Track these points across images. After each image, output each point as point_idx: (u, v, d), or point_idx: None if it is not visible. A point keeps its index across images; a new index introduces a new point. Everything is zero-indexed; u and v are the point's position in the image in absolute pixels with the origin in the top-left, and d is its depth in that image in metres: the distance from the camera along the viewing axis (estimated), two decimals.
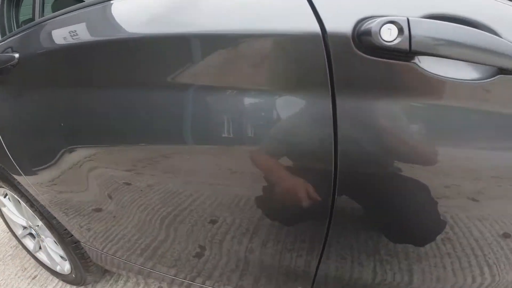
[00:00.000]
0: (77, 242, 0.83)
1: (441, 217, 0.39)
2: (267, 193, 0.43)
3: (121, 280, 1.05)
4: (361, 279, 0.46)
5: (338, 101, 0.35)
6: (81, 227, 0.75)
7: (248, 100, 0.40)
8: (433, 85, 0.33)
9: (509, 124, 0.35)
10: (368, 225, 0.42)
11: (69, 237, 0.82)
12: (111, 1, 0.48)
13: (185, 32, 0.40)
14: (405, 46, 0.30)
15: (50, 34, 0.54)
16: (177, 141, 0.46)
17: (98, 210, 0.67)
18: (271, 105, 0.39)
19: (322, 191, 0.40)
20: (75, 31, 0.51)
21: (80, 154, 0.57)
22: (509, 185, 0.40)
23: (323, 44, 0.34)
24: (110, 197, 0.61)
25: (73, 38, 0.50)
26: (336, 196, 0.39)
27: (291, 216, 0.45)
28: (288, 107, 0.38)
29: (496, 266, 0.47)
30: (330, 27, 0.34)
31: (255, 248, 0.47)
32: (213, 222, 0.48)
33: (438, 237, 0.41)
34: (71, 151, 0.57)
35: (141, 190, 0.54)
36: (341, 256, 0.44)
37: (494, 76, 0.33)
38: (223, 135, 0.41)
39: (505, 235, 0.43)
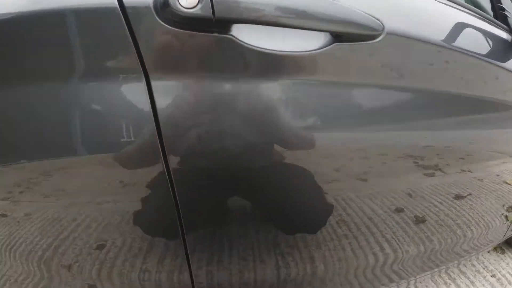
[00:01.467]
0: None
1: (333, 200, 0.40)
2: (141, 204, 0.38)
3: None
4: (265, 280, 0.45)
5: (153, 83, 0.31)
6: None
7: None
8: (255, 59, 0.31)
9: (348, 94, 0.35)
10: (261, 221, 0.41)
11: None
12: None
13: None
14: (208, 13, 0.27)
15: None
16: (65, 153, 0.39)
17: None
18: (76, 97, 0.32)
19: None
20: None
21: None
22: (393, 161, 0.42)
23: (123, 19, 0.29)
24: None
25: None
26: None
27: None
28: (101, 96, 0.32)
29: (396, 241, 0.49)
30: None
31: (151, 268, 0.42)
32: (100, 247, 0.42)
33: (333, 220, 0.42)
34: None
35: (18, 222, 0.46)
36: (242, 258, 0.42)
37: (328, 45, 0.31)
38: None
39: (398, 210, 0.45)
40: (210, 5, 0.27)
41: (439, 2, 0.50)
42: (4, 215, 0.48)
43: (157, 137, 0.32)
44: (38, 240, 0.45)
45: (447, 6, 0.50)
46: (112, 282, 0.43)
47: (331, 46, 0.31)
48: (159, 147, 0.32)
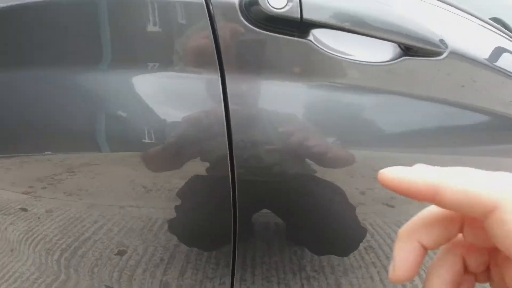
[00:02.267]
0: None
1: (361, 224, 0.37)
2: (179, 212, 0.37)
3: None
4: None
5: (228, 82, 0.30)
6: None
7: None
8: (331, 67, 0.31)
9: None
10: (286, 240, 0.38)
11: None
12: None
13: None
14: (296, 13, 0.27)
15: None
16: (88, 147, 0.38)
17: None
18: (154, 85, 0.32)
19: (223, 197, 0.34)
20: None
21: None
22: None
23: (207, 15, 0.29)
24: (5, 229, 0.50)
25: None
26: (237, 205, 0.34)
27: (203, 238, 0.39)
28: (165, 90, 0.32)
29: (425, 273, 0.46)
30: None
31: (171, 281, 0.41)
32: (121, 253, 0.40)
33: (361, 246, 0.40)
34: None
35: (38, 218, 0.45)
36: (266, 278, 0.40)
37: (398, 58, 0.31)
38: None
39: None
40: (299, 6, 0.26)
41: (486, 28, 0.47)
42: (24, 209, 0.47)
43: (227, 141, 0.30)
44: (58, 239, 0.44)
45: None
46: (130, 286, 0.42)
47: (401, 59, 0.30)
48: (227, 152, 0.31)
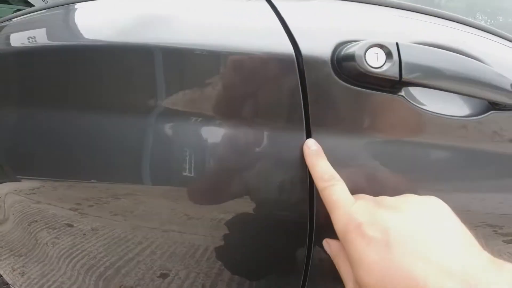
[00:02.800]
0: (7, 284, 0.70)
1: None
2: (228, 242, 0.38)
3: None
4: None
5: (313, 137, 0.30)
6: (14, 270, 0.64)
7: (211, 131, 0.34)
8: (422, 122, 0.30)
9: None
10: None
11: None
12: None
13: (152, 44, 0.34)
14: (395, 73, 0.26)
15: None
16: (131, 180, 0.40)
17: (34, 251, 0.57)
18: (235, 138, 0.33)
19: (297, 241, 0.35)
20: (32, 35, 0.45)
21: (23, 186, 0.49)
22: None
23: (297, 69, 0.29)
24: (46, 243, 0.52)
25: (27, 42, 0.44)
26: (312, 247, 0.34)
27: (257, 268, 0.39)
28: (255, 141, 0.33)
29: None
30: (305, 48, 0.29)
31: None
32: (163, 276, 0.41)
33: None
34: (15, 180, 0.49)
35: (84, 234, 0.47)
36: None
37: (486, 112, 0.30)
38: (184, 173, 0.36)
39: None
40: (398, 66, 0.26)
41: None
42: (70, 225, 0.49)
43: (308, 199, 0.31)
44: (102, 256, 0.46)
45: None
46: None
47: (488, 113, 0.30)
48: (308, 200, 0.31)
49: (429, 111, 0.30)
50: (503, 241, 0.41)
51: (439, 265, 0.18)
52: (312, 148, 0.28)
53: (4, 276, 0.69)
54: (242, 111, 0.32)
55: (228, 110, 0.32)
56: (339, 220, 0.24)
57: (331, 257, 0.28)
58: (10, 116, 0.46)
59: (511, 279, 0.18)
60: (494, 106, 0.30)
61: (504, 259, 0.19)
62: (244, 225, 0.34)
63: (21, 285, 0.65)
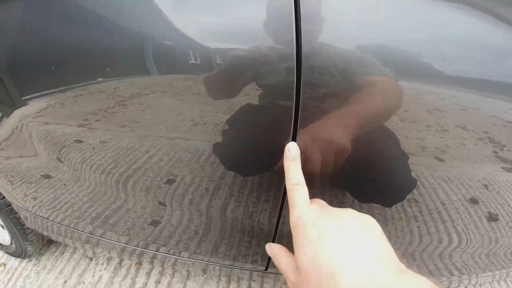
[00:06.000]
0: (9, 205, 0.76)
1: (411, 174, 0.36)
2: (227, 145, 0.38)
3: (67, 251, 1.00)
4: None
5: None
6: (26, 196, 0.67)
7: None
8: None
9: None
10: (332, 182, 0.38)
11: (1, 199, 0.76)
12: None
13: None
14: None
15: None
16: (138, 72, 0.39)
17: (48, 176, 0.60)
18: None
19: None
20: None
21: (30, 108, 0.50)
22: (473, 145, 0.38)
23: None
24: (60, 160, 0.54)
25: None
26: None
27: (252, 171, 0.40)
28: None
29: (465, 234, 0.46)
30: None
31: (214, 211, 0.43)
32: (170, 182, 0.43)
33: (406, 197, 0.39)
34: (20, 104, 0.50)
35: (93, 148, 0.48)
36: None
37: None
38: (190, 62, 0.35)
39: (473, 201, 0.41)
40: None
41: None
42: (79, 141, 0.50)
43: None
44: (112, 168, 0.47)
45: None
46: (181, 205, 0.44)
47: None
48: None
49: None
50: (502, 167, 0.41)
51: (354, 264, 0.26)
52: (292, 153, 0.33)
53: (15, 202, 0.73)
54: None
55: None
56: (293, 216, 0.32)
57: (271, 257, 0.35)
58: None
59: (407, 281, 0.25)
60: None
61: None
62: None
63: (33, 207, 0.69)
